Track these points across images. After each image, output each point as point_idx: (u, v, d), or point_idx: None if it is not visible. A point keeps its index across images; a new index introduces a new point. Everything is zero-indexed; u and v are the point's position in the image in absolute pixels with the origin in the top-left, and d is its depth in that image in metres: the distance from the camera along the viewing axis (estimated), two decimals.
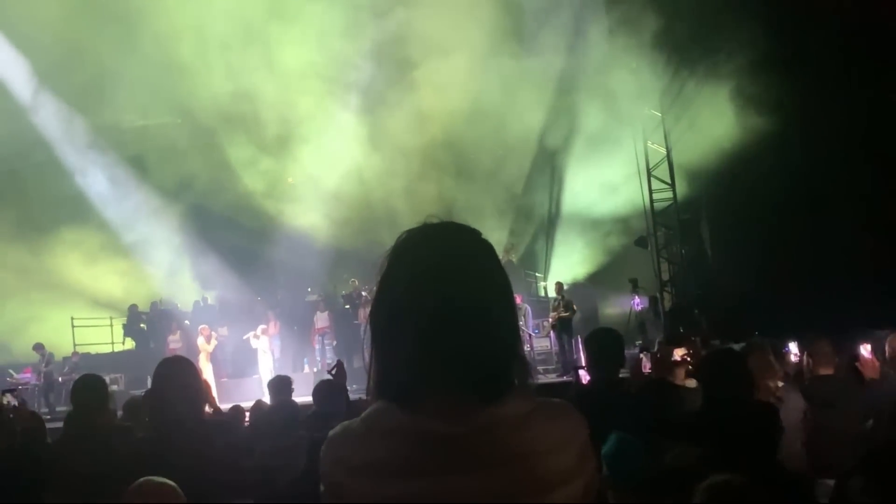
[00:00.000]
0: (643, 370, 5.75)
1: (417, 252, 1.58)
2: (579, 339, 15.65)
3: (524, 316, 17.25)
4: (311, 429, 5.32)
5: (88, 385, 4.65)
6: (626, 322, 17.01)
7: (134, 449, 3.82)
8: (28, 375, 18.02)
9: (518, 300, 16.00)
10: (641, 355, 6.11)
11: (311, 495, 1.63)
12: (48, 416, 16.03)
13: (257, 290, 20.35)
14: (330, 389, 6.24)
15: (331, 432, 1.57)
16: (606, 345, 4.43)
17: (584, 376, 5.86)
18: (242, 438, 4.56)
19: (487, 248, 1.63)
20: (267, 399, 9.58)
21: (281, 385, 7.21)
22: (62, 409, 16.73)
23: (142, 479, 2.81)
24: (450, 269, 1.54)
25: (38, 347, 17.78)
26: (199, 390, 4.30)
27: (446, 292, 1.51)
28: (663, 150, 18.06)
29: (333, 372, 5.84)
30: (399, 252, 1.59)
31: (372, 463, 1.48)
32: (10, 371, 18.20)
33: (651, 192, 18.28)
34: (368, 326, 1.60)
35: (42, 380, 17.52)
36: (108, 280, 20.91)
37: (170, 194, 20.58)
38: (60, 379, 17.69)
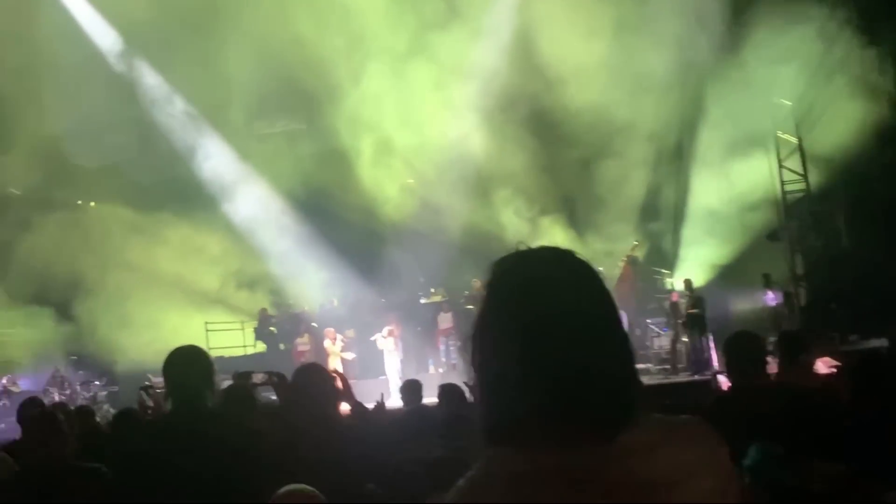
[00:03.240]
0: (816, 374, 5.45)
1: (518, 276, 1.47)
2: (711, 338, 15.23)
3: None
4: (446, 437, 5.34)
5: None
6: (760, 319, 16.44)
7: (266, 452, 3.84)
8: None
9: None
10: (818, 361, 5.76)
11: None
12: None
13: (382, 292, 20.57)
14: (455, 390, 6.31)
15: (454, 492, 1.45)
16: (747, 349, 4.23)
17: (724, 382, 5.63)
18: (377, 443, 4.58)
19: (587, 266, 1.50)
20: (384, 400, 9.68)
21: (412, 389, 7.25)
22: None
23: (290, 487, 2.83)
24: (555, 289, 1.43)
25: None
26: (331, 396, 4.34)
27: (554, 312, 1.41)
28: (794, 140, 17.37)
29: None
30: (497, 279, 1.49)
31: None
32: (149, 376, 18.86)
33: (783, 183, 17.60)
34: (472, 365, 1.48)
35: None
36: (237, 284, 21.63)
37: (294, 198, 21.10)
38: None
